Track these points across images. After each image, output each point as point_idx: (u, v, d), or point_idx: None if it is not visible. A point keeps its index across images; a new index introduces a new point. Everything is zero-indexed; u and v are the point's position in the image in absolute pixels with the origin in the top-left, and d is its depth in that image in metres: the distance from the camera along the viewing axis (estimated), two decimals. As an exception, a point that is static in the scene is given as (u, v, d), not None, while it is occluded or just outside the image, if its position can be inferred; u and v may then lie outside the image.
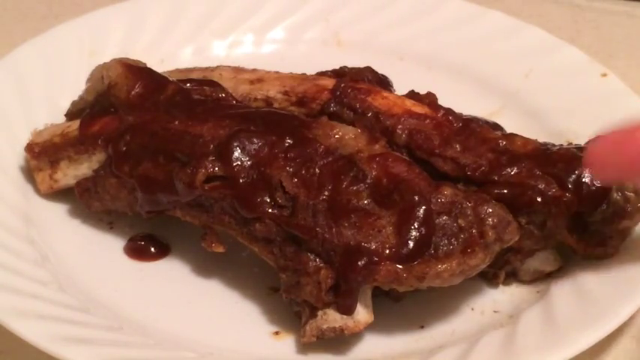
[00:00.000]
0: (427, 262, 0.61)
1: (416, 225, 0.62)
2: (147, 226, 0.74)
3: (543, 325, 0.63)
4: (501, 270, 0.69)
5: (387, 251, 0.61)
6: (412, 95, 0.74)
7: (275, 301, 0.68)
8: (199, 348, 0.65)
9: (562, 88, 0.84)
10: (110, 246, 0.73)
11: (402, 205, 0.63)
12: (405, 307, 0.67)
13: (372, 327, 0.64)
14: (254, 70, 0.80)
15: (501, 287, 0.70)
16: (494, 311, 0.68)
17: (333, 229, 0.62)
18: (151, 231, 0.74)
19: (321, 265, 0.63)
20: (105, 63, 0.76)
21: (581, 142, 0.72)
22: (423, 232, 0.62)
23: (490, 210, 0.63)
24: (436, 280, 0.62)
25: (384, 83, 0.78)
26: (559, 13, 1.05)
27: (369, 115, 0.72)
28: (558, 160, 0.68)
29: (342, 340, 0.65)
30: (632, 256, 0.68)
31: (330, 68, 0.79)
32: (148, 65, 0.77)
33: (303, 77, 0.78)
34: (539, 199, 0.66)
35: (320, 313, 0.63)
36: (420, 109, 0.72)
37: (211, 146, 0.66)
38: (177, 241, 0.73)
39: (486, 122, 0.73)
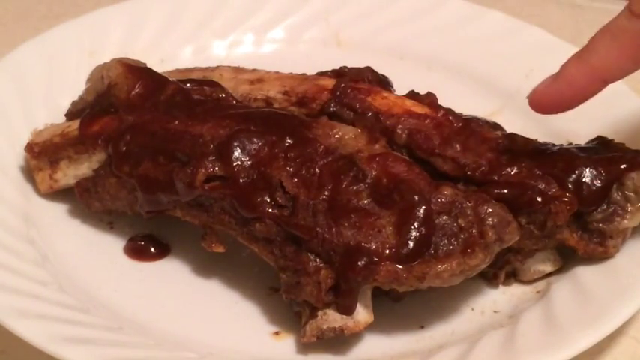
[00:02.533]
0: (427, 262, 0.61)
1: (416, 225, 0.62)
2: (147, 226, 0.74)
3: (543, 325, 0.63)
4: (501, 270, 0.69)
5: (387, 251, 0.61)
6: (412, 95, 0.74)
7: (275, 301, 0.68)
8: (199, 348, 0.65)
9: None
10: (110, 246, 0.73)
11: (402, 205, 0.63)
12: (405, 307, 0.67)
13: (372, 327, 0.64)
14: (254, 70, 0.80)
15: (501, 287, 0.70)
16: (494, 311, 0.68)
17: (333, 229, 0.62)
18: (150, 231, 0.74)
19: (321, 265, 0.63)
20: (105, 63, 0.76)
21: (581, 142, 0.72)
22: (423, 232, 0.62)
23: (490, 210, 0.63)
24: (436, 280, 0.62)
25: (384, 83, 0.78)
26: (559, 13, 1.05)
27: (369, 115, 0.72)
28: (558, 160, 0.68)
29: (342, 340, 0.65)
30: (632, 256, 0.68)
31: (330, 68, 0.79)
32: (148, 65, 0.77)
33: (303, 77, 0.78)
34: (539, 199, 0.66)
35: (320, 313, 0.63)
36: (420, 109, 0.72)
37: (211, 146, 0.67)
38: (177, 241, 0.73)
39: (486, 122, 0.73)
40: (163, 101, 0.71)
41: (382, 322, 0.66)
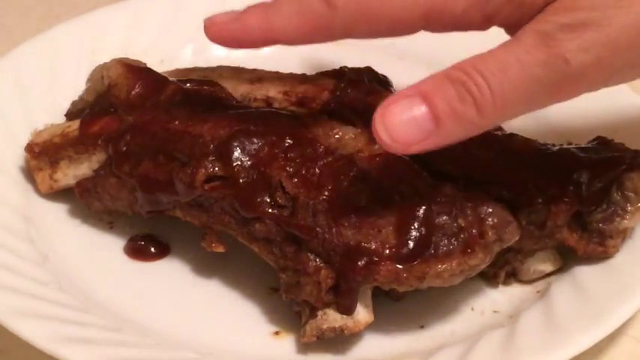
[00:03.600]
0: (427, 262, 0.61)
1: (416, 225, 0.62)
2: (147, 226, 0.74)
3: (543, 325, 0.63)
4: (501, 270, 0.69)
5: (387, 251, 0.61)
6: (412, 95, 0.74)
7: (275, 301, 0.68)
8: (199, 348, 0.65)
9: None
10: (110, 246, 0.73)
11: (402, 205, 0.63)
12: (405, 307, 0.67)
13: (372, 327, 0.64)
14: (254, 70, 0.80)
15: (501, 287, 0.70)
16: (494, 311, 0.68)
17: (333, 229, 0.62)
18: (150, 231, 0.74)
19: (321, 265, 0.63)
20: (105, 63, 0.76)
21: (581, 142, 0.72)
22: (423, 232, 0.62)
23: (490, 210, 0.63)
24: (436, 280, 0.62)
25: (384, 83, 0.78)
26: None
27: (369, 115, 0.72)
28: (558, 160, 0.68)
29: (342, 340, 0.65)
30: (632, 256, 0.68)
31: (330, 68, 0.79)
32: (148, 65, 0.77)
33: (303, 77, 0.78)
34: (539, 199, 0.66)
35: (320, 313, 0.63)
36: (420, 109, 0.72)
37: (211, 146, 0.67)
38: (177, 241, 0.73)
39: (486, 122, 0.73)
40: (163, 101, 0.71)
41: (382, 322, 0.66)
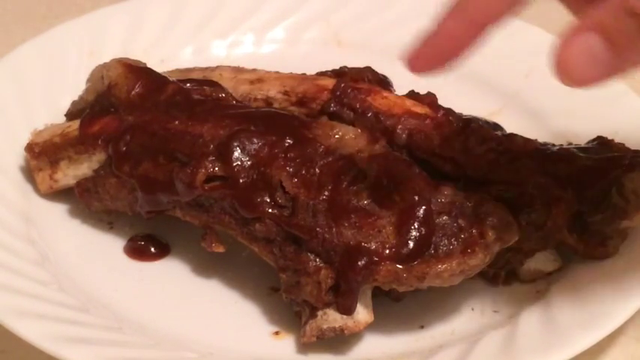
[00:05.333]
0: (427, 262, 0.61)
1: (416, 225, 0.62)
2: (147, 226, 0.74)
3: (543, 325, 0.63)
4: (501, 270, 0.69)
5: (387, 251, 0.61)
6: (412, 95, 0.74)
7: (275, 301, 0.68)
8: (199, 348, 0.65)
9: (562, 88, 0.83)
10: (110, 246, 0.73)
11: (402, 205, 0.63)
12: (405, 307, 0.67)
13: (372, 327, 0.64)
14: (254, 70, 0.80)
15: (501, 287, 0.70)
16: (494, 311, 0.68)
17: (333, 229, 0.62)
18: (151, 231, 0.74)
19: (321, 265, 0.63)
20: (105, 63, 0.76)
21: (581, 142, 0.72)
22: (423, 232, 0.62)
23: (490, 210, 0.63)
24: (436, 280, 0.62)
25: (384, 83, 0.78)
26: (559, 13, 1.05)
27: (369, 115, 0.72)
28: (558, 160, 0.68)
29: (342, 340, 0.65)
30: (632, 256, 0.68)
31: (330, 68, 0.79)
32: (148, 65, 0.77)
33: (303, 77, 0.78)
34: (539, 199, 0.66)
35: (320, 313, 0.63)
36: (420, 109, 0.72)
37: (211, 146, 0.67)
38: (177, 241, 0.73)
39: (486, 122, 0.73)
40: (163, 101, 0.71)
41: (382, 322, 0.66)
